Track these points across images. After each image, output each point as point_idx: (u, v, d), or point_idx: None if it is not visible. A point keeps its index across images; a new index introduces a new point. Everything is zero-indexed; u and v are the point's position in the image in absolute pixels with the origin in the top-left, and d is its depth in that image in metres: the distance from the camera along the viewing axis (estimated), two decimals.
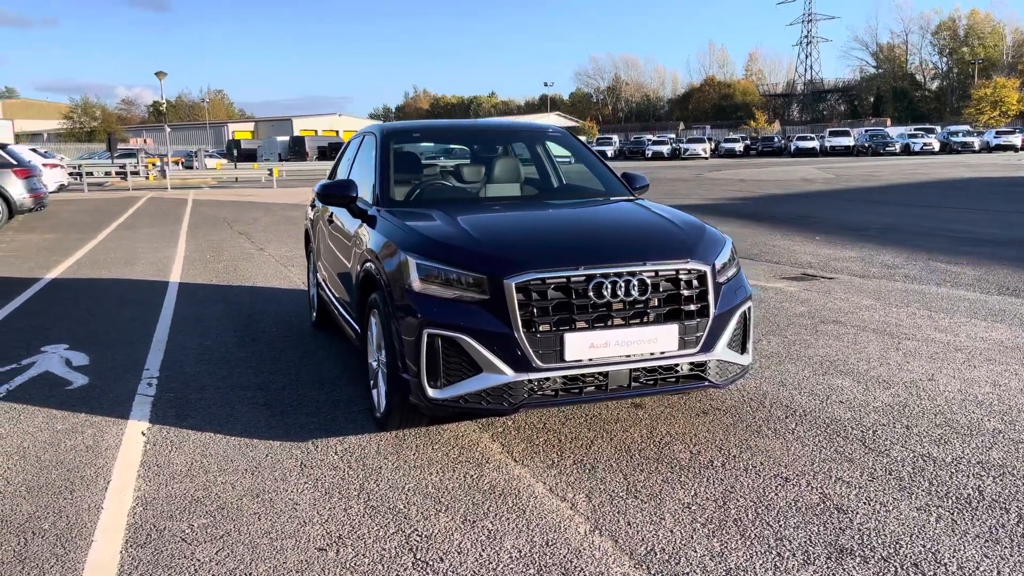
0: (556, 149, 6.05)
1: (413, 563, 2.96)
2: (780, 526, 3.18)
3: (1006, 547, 2.98)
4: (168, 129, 46.49)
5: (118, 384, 5.24)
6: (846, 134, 57.18)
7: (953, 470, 3.66)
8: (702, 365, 3.95)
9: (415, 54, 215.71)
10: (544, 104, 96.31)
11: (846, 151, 53.87)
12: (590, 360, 3.74)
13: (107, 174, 34.28)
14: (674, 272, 3.87)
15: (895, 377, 5.06)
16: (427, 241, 4.01)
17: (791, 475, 3.65)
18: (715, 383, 4.02)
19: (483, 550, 3.04)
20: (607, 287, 3.71)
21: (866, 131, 59.70)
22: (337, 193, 4.94)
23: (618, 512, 3.33)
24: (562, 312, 3.70)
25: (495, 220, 4.47)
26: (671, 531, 3.16)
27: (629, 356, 3.78)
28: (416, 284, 3.85)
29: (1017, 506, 3.29)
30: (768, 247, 11.35)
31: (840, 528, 3.15)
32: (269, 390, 5.07)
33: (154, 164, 38.31)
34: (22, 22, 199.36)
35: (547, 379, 3.72)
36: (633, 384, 3.86)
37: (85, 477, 3.76)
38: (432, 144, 7.01)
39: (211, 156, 55.86)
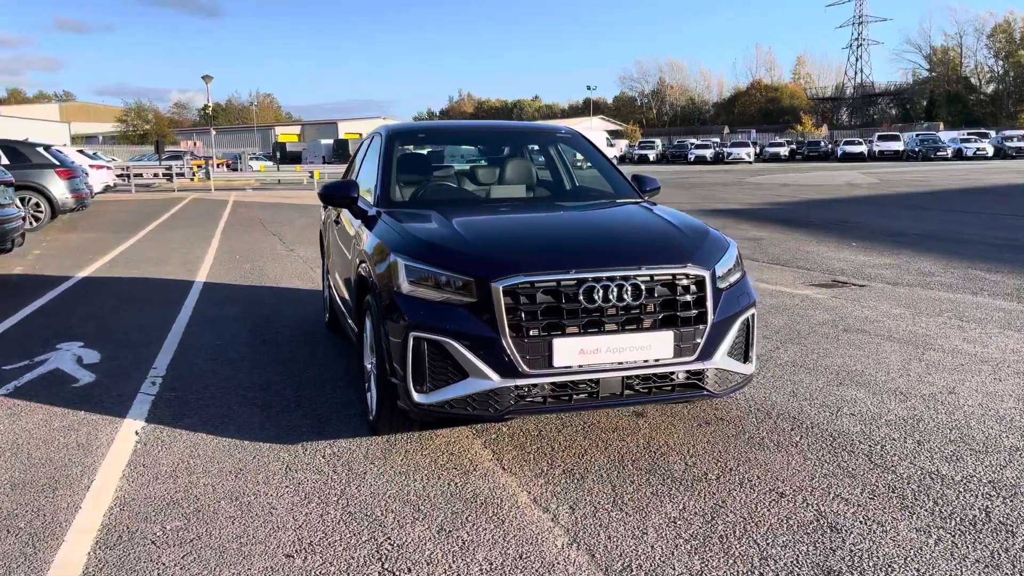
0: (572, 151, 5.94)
1: (380, 573, 2.87)
2: (767, 544, 3.03)
3: (1007, 573, 2.79)
4: (214, 132, 47.32)
5: (123, 382, 5.26)
6: (896, 138, 55.91)
7: (961, 489, 3.46)
8: (699, 374, 3.81)
9: (460, 58, 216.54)
10: (587, 108, 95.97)
11: (895, 156, 52.68)
12: (580, 367, 3.63)
13: (155, 176, 34.99)
14: (670, 277, 3.74)
15: (913, 389, 4.85)
16: (417, 243, 3.94)
17: (787, 490, 3.49)
18: (713, 392, 3.87)
19: (453, 561, 2.95)
20: (599, 292, 3.60)
21: (917, 135, 58.25)
22: (338, 194, 4.90)
23: (600, 525, 3.21)
24: (552, 317, 3.60)
25: (490, 222, 4.38)
26: (652, 547, 3.03)
27: (621, 363, 3.66)
28: (404, 286, 3.77)
29: None
30: (801, 253, 11.07)
31: (831, 548, 2.99)
32: (270, 390, 5.04)
33: (199, 166, 38.96)
34: (81, 28, 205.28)
35: (535, 386, 3.62)
36: (626, 392, 3.74)
37: (70, 476, 3.76)
38: (440, 145, 6.90)
39: (256, 159, 56.66)
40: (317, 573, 2.88)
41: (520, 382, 3.58)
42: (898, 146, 53.69)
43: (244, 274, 10.06)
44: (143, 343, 6.35)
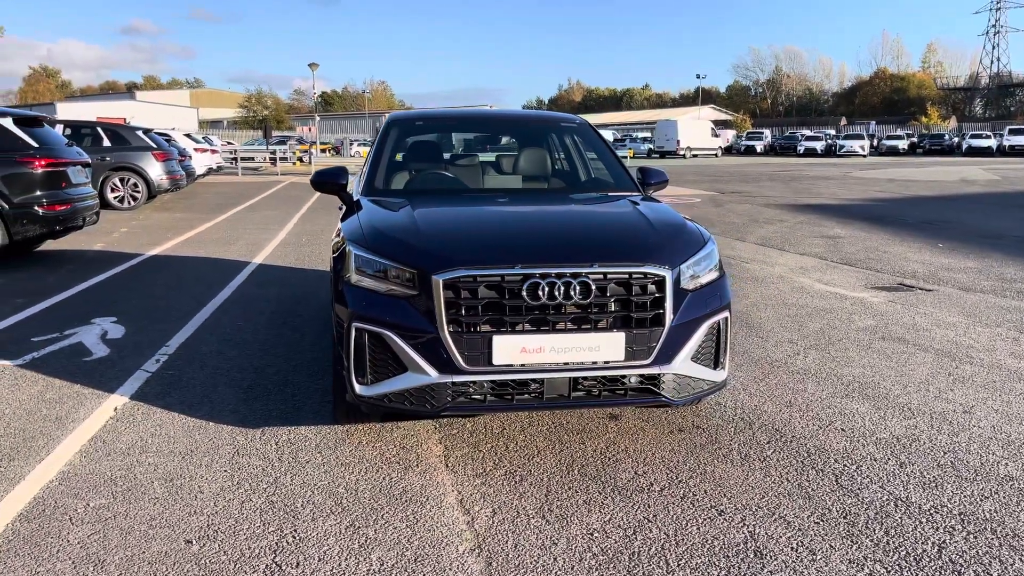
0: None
1: (266, 567, 2.84)
2: (678, 566, 2.82)
3: None
4: (318, 118, 48.98)
5: (131, 359, 5.43)
6: None
7: (923, 520, 3.14)
8: (654, 379, 3.59)
9: (572, 46, 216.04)
10: (698, 96, 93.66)
11: None
12: (522, 365, 3.48)
13: (262, 160, 36.56)
14: (626, 276, 3.54)
15: (925, 406, 4.45)
16: (372, 233, 3.87)
17: (729, 508, 3.25)
18: (671, 399, 3.65)
19: (345, 560, 2.88)
20: (544, 288, 3.44)
21: None
22: (327, 180, 4.89)
23: (513, 532, 3.07)
24: (494, 313, 3.47)
25: (449, 214, 4.26)
26: (555, 559, 2.88)
27: (567, 364, 3.50)
28: (353, 276, 3.72)
29: (975, 572, 2.77)
30: (876, 253, 10.43)
31: (744, 575, 2.75)
32: (262, 373, 5.10)
33: (304, 151, 40.30)
34: (213, 18, 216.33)
35: (474, 383, 3.50)
36: (574, 395, 3.57)
37: (33, 448, 3.89)
38: (439, 133, 6.79)
39: (363, 144, 58.13)
40: (207, 561, 2.87)
41: (458, 379, 3.47)
42: None
43: (301, 257, 10.28)
44: (170, 320, 6.56)
